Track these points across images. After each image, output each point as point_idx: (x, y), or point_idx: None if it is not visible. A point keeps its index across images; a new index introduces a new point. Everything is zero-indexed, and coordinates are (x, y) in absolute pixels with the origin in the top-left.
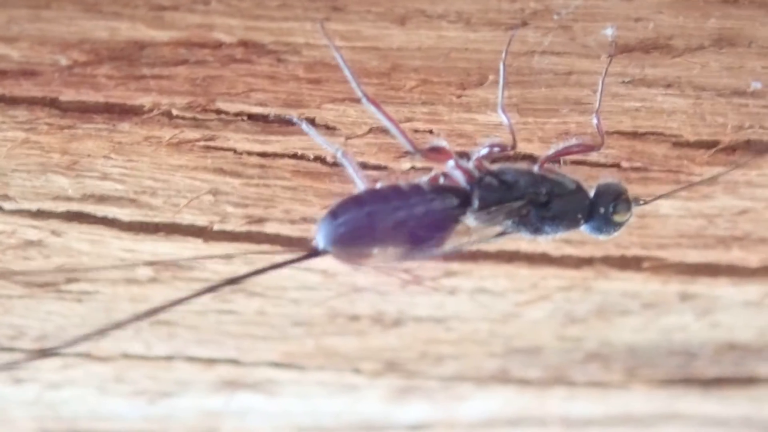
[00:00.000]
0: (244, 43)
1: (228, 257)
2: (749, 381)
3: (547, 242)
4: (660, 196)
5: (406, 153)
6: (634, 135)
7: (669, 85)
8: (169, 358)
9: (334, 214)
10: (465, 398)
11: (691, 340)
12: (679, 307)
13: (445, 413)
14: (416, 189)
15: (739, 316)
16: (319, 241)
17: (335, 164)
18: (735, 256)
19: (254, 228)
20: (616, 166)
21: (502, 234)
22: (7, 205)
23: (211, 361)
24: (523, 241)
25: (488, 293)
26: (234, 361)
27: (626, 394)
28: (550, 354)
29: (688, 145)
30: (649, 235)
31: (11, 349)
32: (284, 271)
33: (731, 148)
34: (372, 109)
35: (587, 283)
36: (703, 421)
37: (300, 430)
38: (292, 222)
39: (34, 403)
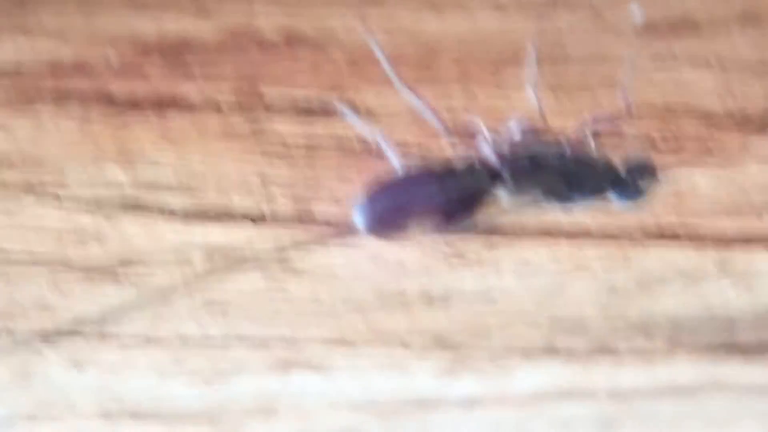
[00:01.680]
0: (285, 32)
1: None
2: None
3: (585, 215)
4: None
5: (443, 134)
6: (665, 109)
7: (696, 61)
8: (223, 339)
9: (371, 195)
10: (513, 372)
11: (730, 308)
12: (717, 275)
13: (495, 387)
14: (449, 167)
15: None
16: (358, 221)
17: (376, 144)
18: None
19: (302, 208)
20: (649, 138)
21: (533, 205)
22: (64, 194)
23: (264, 341)
24: (561, 215)
25: (530, 266)
26: (287, 340)
27: (670, 363)
28: (594, 325)
29: (717, 117)
30: (684, 204)
31: (73, 332)
32: (333, 251)
33: (760, 121)
34: (406, 93)
35: (626, 253)
36: (747, 389)
37: (355, 407)
38: (338, 201)
39: (94, 386)
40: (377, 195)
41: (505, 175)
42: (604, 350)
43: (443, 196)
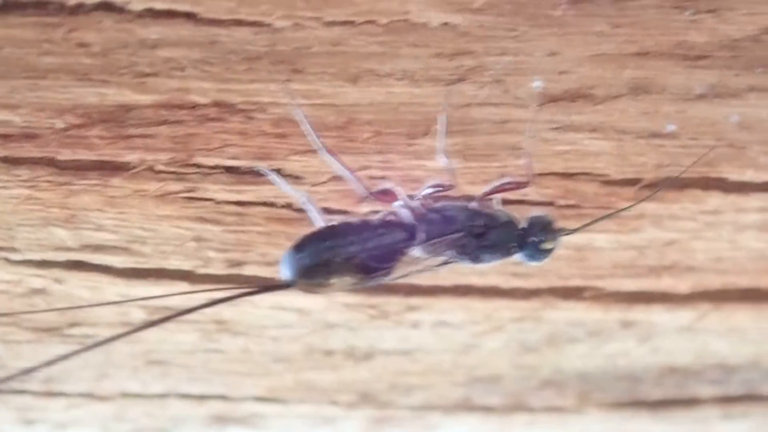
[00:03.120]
0: (216, 104)
1: (208, 304)
2: (691, 402)
3: (497, 275)
4: (584, 226)
5: (362, 197)
6: (566, 175)
7: (594, 130)
8: (163, 396)
9: (297, 247)
10: (434, 427)
11: (634, 364)
12: (621, 334)
13: None
14: (368, 225)
15: (675, 340)
16: (285, 272)
17: (302, 210)
18: (666, 283)
19: (234, 271)
20: (552, 204)
21: (445, 263)
22: (14, 257)
23: (201, 398)
24: (474, 275)
25: (448, 326)
26: (223, 397)
27: (582, 418)
28: (509, 382)
29: (615, 183)
30: (587, 266)
31: (22, 392)
32: (264, 311)
33: (653, 185)
34: (328, 159)
35: (537, 314)
36: None
37: None
38: (269, 264)
39: None
40: (301, 245)
41: (420, 234)
42: (518, 407)
43: (362, 249)
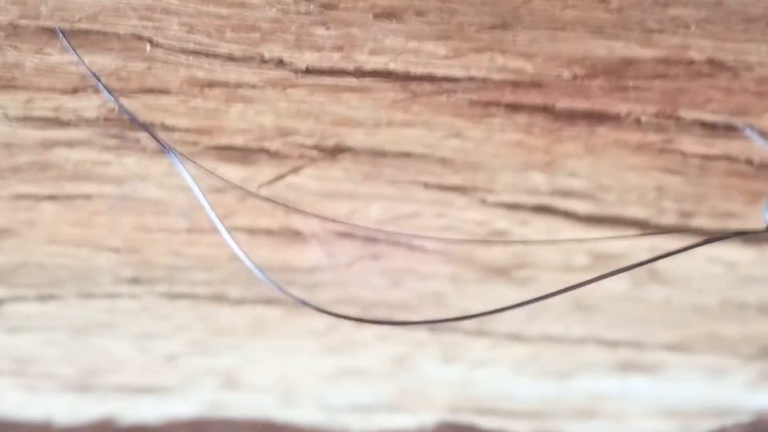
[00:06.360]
0: (710, 61)
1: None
2: None
3: None
4: None
5: None
6: None
7: None
8: (581, 340)
9: None
10: None
11: None
12: None
13: None
14: None
15: None
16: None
17: (762, 166)
18: None
19: (683, 221)
20: None
21: None
22: (490, 198)
23: (615, 344)
24: None
25: None
26: (634, 344)
27: None
28: None
29: None
30: None
31: (456, 330)
32: (697, 263)
33: None
34: None
35: None
36: None
37: (666, 413)
38: (718, 216)
39: (454, 381)
40: None
41: None
42: None
43: None
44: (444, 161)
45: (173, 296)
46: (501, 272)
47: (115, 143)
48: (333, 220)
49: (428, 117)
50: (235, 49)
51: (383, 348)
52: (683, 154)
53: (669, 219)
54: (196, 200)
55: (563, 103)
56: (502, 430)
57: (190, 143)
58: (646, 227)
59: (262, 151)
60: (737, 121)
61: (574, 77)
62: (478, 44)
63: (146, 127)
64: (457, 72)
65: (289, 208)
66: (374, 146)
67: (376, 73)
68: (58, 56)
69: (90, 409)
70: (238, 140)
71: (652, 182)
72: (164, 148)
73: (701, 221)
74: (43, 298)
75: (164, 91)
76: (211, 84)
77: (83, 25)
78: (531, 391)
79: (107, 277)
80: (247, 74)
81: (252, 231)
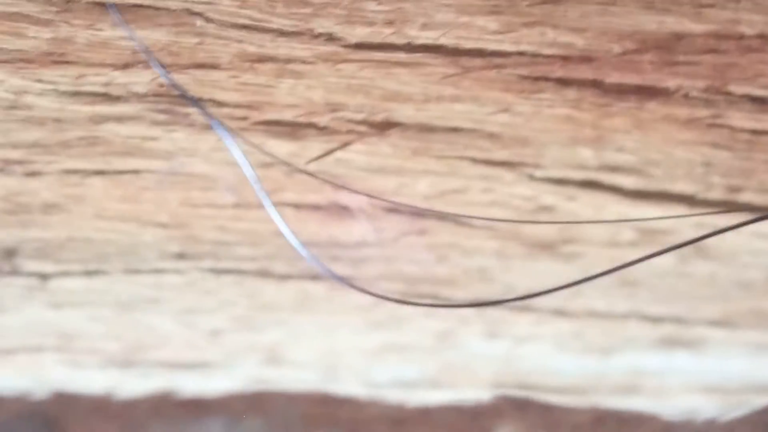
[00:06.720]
0: (761, 36)
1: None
2: None
3: None
4: None
5: None
6: None
7: None
8: (625, 316)
9: None
10: None
11: None
12: None
13: None
14: None
15: None
16: None
17: None
18: None
19: (731, 197)
20: None
21: None
22: (538, 173)
23: (658, 319)
24: None
25: None
26: (678, 320)
27: None
28: None
29: None
30: None
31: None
32: (744, 238)
33: None
34: None
35: None
36: None
37: (708, 389)
38: (763, 192)
39: (497, 357)
40: None
41: None
42: None
43: None
44: (492, 136)
45: (219, 272)
46: (547, 247)
47: (164, 118)
48: (379, 198)
49: (478, 92)
50: (286, 24)
51: (427, 324)
52: (732, 129)
53: (716, 194)
54: (243, 175)
55: (613, 78)
56: (555, 404)
57: (239, 118)
58: (693, 202)
59: (311, 126)
60: None
61: (624, 52)
62: (528, 19)
63: (196, 102)
64: (507, 47)
65: (336, 184)
66: (423, 121)
67: (426, 48)
68: (110, 31)
69: (137, 385)
70: (287, 115)
71: (699, 157)
72: (213, 124)
73: (749, 196)
74: (89, 273)
75: (215, 66)
76: (261, 59)
77: (135, 0)
78: (574, 367)
79: (153, 252)
80: (298, 49)
81: (299, 206)
